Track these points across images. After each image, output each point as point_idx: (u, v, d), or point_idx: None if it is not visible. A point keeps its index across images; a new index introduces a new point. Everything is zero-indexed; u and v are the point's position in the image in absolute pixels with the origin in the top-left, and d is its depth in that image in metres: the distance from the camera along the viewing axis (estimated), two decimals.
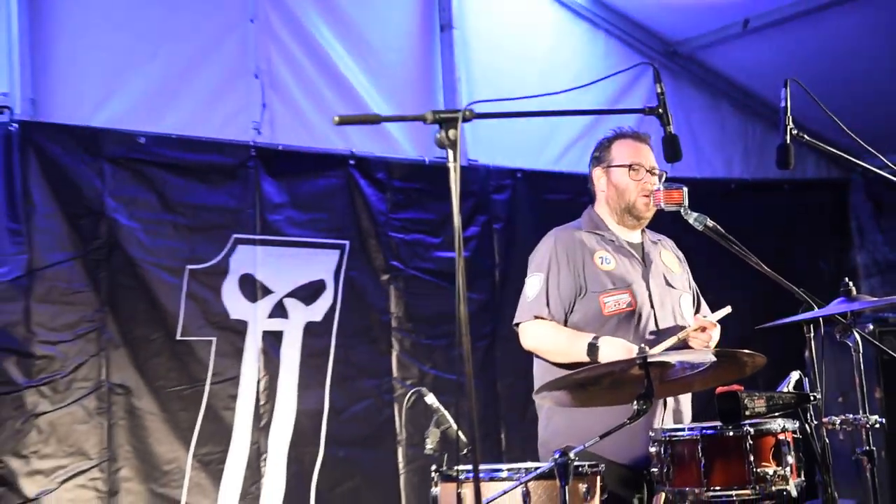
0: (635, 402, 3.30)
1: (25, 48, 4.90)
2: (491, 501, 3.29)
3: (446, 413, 3.76)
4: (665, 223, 4.23)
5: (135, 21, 5.23)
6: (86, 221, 4.90)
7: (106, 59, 5.14)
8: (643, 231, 4.26)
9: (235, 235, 5.26)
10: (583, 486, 3.48)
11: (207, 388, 5.10)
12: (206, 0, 5.46)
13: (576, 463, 3.35)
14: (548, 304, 4.02)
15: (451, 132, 2.74)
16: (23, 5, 4.90)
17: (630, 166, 4.14)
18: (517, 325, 4.13)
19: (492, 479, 3.49)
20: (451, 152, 2.75)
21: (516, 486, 3.38)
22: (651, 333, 4.00)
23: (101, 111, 5.08)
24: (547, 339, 4.04)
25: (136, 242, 5.00)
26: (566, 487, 3.24)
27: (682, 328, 3.97)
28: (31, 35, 4.93)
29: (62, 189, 4.85)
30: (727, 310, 4.01)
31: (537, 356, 4.11)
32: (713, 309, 4.08)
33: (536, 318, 4.02)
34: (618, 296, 4.00)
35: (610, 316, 3.98)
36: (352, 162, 5.65)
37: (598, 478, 3.57)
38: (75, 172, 4.89)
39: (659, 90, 3.18)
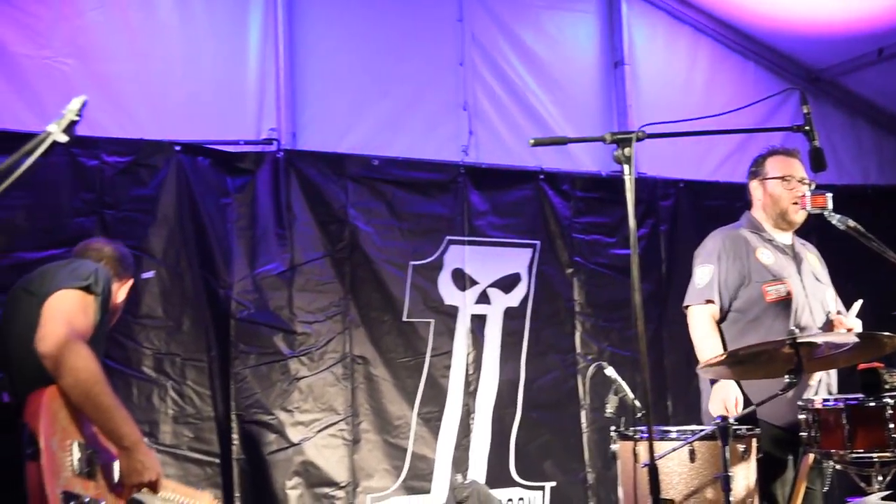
0: (786, 376, 3.20)
1: (289, 93, 5.12)
2: (662, 457, 3.26)
3: (623, 383, 3.74)
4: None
5: (370, 67, 5.38)
6: (333, 227, 5.04)
7: (347, 98, 5.30)
8: (793, 235, 4.13)
9: (448, 237, 5.32)
10: (741, 447, 3.41)
11: (427, 359, 5.17)
12: (424, 49, 5.55)
13: (734, 427, 3.28)
14: (718, 290, 3.96)
15: (627, 150, 2.76)
16: (286, 59, 5.12)
17: (783, 178, 4.03)
18: (686, 307, 4.07)
19: (662, 439, 3.45)
20: (626, 167, 2.75)
21: (684, 445, 3.33)
22: (804, 320, 3.88)
23: (344, 140, 5.24)
24: (697, 332, 3.98)
25: (371, 243, 5.11)
26: (727, 447, 3.18)
27: (830, 322, 3.85)
28: (292, 82, 5.14)
29: (315, 202, 5.01)
30: (860, 303, 3.90)
31: None
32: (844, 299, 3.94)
33: (708, 301, 3.96)
34: (777, 286, 3.89)
35: (771, 303, 3.87)
36: (541, 176, 5.63)
37: (754, 439, 3.48)
38: (325, 189, 5.05)
39: (805, 110, 3.08)
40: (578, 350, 5.56)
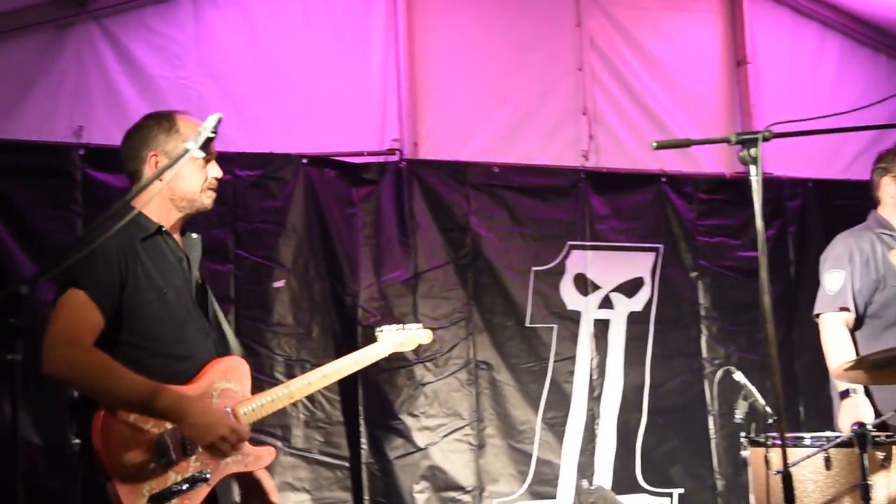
0: None
1: (410, 104, 5.20)
2: (796, 464, 3.15)
3: (752, 388, 3.63)
4: None
5: (489, 76, 5.41)
6: (456, 235, 5.08)
7: (468, 107, 5.34)
8: None
9: (570, 242, 5.29)
10: (880, 454, 3.26)
11: (551, 365, 5.14)
12: (543, 55, 5.54)
13: (873, 433, 3.15)
14: (852, 297, 3.79)
15: (753, 150, 2.69)
16: (406, 71, 5.20)
17: None
18: (818, 315, 3.90)
19: (796, 446, 3.34)
20: (752, 167, 2.68)
21: (819, 452, 3.22)
22: None
23: (465, 148, 5.28)
24: (830, 341, 3.81)
25: (493, 250, 5.13)
26: (865, 455, 3.05)
27: None
28: (412, 94, 5.22)
29: (438, 210, 5.07)
30: None
31: None
32: None
33: (842, 309, 3.78)
34: None
35: None
36: (663, 179, 5.53)
37: (895, 447, 3.32)
38: (447, 197, 5.09)
39: None
40: (705, 354, 5.44)
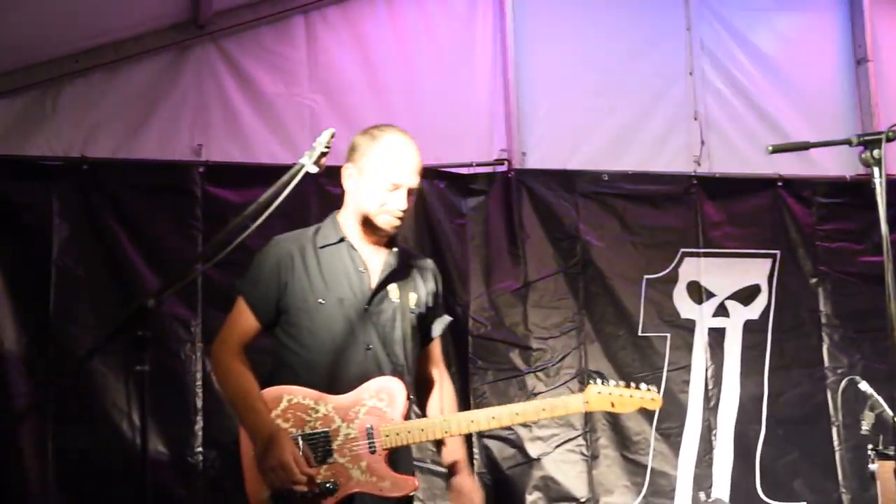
0: None
1: (518, 114, 5.20)
2: None
3: (879, 398, 3.50)
4: None
5: (597, 83, 5.37)
6: (565, 244, 5.06)
7: (576, 115, 5.31)
8: None
9: (682, 250, 5.19)
10: None
11: (664, 374, 5.06)
12: (652, 60, 5.47)
13: None
14: None
15: (876, 152, 2.60)
16: (513, 81, 5.21)
17: None
18: None
19: None
20: (876, 169, 2.59)
21: None
22: None
23: (573, 157, 5.25)
24: None
25: (603, 259, 5.08)
26: None
27: None
28: (520, 105, 5.22)
29: (547, 219, 5.05)
30: None
31: None
32: None
33: None
34: None
35: None
36: (779, 183, 5.37)
37: None
38: (556, 206, 5.07)
39: None
40: (827, 363, 5.25)
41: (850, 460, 5.06)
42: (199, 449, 4.32)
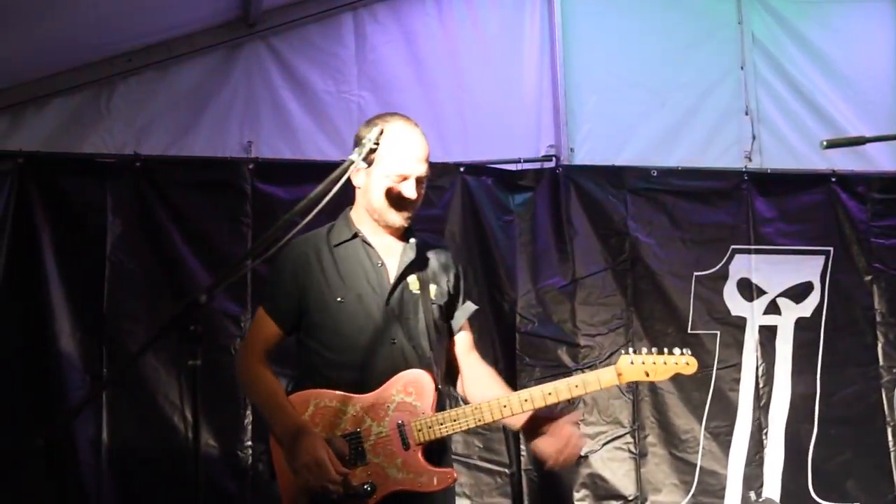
0: None
1: (566, 109, 5.17)
2: None
3: None
4: None
5: (646, 78, 5.31)
6: (614, 241, 5.01)
7: (624, 111, 5.26)
8: None
9: (733, 246, 5.12)
10: None
11: (714, 372, 4.99)
12: (702, 55, 5.40)
13: None
14: None
15: None
16: (561, 76, 5.18)
17: None
18: None
19: None
20: None
21: None
22: None
23: (622, 152, 5.20)
24: None
25: (652, 255, 5.03)
26: None
27: None
28: (568, 100, 5.19)
29: (595, 216, 5.01)
30: None
31: None
32: None
33: None
34: None
35: None
36: (833, 179, 5.28)
37: None
38: (605, 202, 5.03)
39: None
40: (881, 362, 5.14)
41: None
42: (249, 443, 4.36)
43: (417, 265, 2.95)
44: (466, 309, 3.10)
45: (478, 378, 3.08)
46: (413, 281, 2.92)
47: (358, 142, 2.85)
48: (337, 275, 2.88)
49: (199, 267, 4.53)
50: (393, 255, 2.93)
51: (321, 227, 2.94)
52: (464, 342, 3.11)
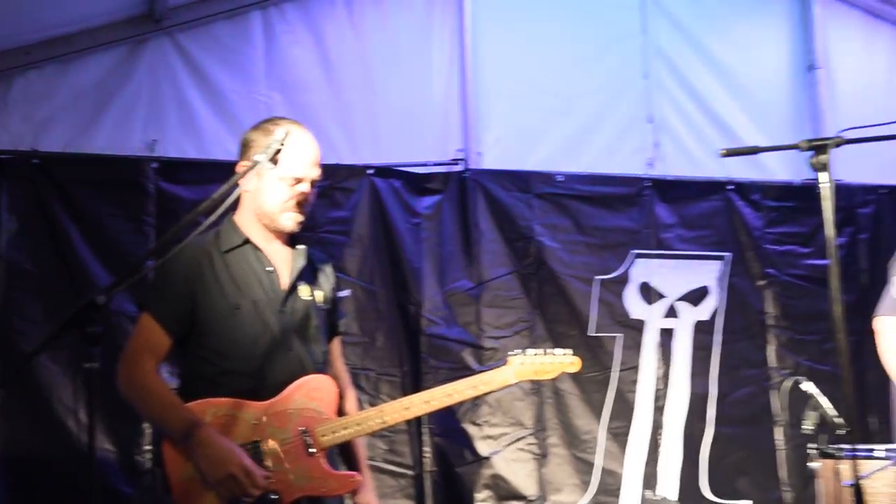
0: None
1: (474, 114, 5.21)
2: (868, 476, 3.08)
3: (822, 398, 3.56)
4: None
5: (553, 85, 5.39)
6: (519, 244, 5.07)
7: (531, 117, 5.33)
8: None
9: (634, 251, 5.24)
10: None
11: (615, 374, 5.09)
12: (608, 64, 5.50)
13: None
14: None
15: (823, 157, 2.65)
16: (470, 81, 5.22)
17: None
18: (875, 317, 3.82)
19: (868, 458, 3.26)
20: (823, 174, 2.65)
21: (892, 465, 3.14)
22: None
23: (528, 158, 5.26)
24: (888, 348, 3.68)
25: (557, 259, 5.10)
26: None
27: None
28: (476, 105, 5.23)
29: (501, 219, 5.06)
30: None
31: None
32: None
33: None
34: None
35: None
36: (730, 187, 5.45)
37: None
38: (511, 206, 5.08)
39: None
40: (773, 364, 5.34)
41: (794, 459, 5.15)
42: (148, 447, 4.27)
43: (307, 272, 2.94)
44: (343, 316, 3.19)
45: (350, 390, 3.11)
46: (304, 287, 2.91)
47: (245, 145, 2.84)
48: (231, 281, 2.82)
49: (100, 267, 4.42)
50: (283, 261, 2.89)
51: (207, 233, 2.85)
52: (339, 349, 3.14)
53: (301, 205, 2.85)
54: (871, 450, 3.33)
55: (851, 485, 2.66)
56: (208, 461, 2.63)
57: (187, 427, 2.66)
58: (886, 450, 3.31)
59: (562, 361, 3.00)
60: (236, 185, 2.55)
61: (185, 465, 2.68)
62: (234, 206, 2.79)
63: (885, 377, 5.11)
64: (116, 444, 4.26)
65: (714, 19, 5.74)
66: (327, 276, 3.05)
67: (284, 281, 2.88)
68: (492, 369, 3.02)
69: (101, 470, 4.16)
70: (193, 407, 2.73)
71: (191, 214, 2.41)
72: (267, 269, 2.86)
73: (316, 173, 2.88)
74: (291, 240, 2.93)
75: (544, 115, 5.34)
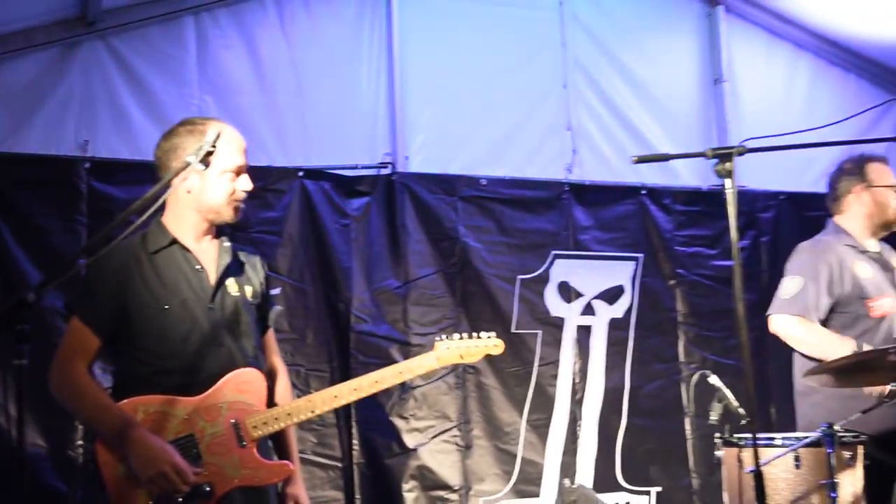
0: (891, 384, 3.08)
1: (402, 120, 5.20)
2: (767, 463, 3.17)
3: (727, 391, 3.65)
4: None
5: (477, 93, 5.41)
6: (445, 244, 5.09)
7: (457, 122, 5.34)
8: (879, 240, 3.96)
9: (554, 252, 5.30)
10: (846, 454, 3.29)
11: (535, 369, 5.16)
12: (529, 74, 5.54)
13: (840, 433, 3.18)
14: (805, 304, 3.79)
15: (728, 164, 2.72)
16: (398, 87, 5.22)
17: (893, 187, 3.86)
18: (769, 315, 3.93)
19: (767, 446, 3.36)
20: (727, 181, 2.72)
21: (789, 452, 3.24)
22: None
23: (454, 162, 5.28)
24: (806, 336, 3.78)
25: (480, 259, 5.14)
26: (832, 454, 3.07)
27: None
28: (404, 111, 5.22)
29: (428, 221, 5.08)
30: None
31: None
32: None
33: (797, 315, 3.78)
34: (881, 300, 3.71)
35: (877, 318, 3.70)
36: (643, 192, 5.56)
37: (860, 447, 3.35)
38: (437, 208, 5.10)
39: None
40: (682, 359, 5.46)
41: (700, 448, 5.28)
42: (80, 442, 4.16)
43: (234, 268, 2.93)
44: (275, 310, 3.16)
45: (283, 381, 3.11)
46: (231, 283, 2.90)
47: (162, 159, 2.83)
48: (159, 282, 2.80)
49: (31, 266, 4.29)
50: (209, 258, 2.88)
51: (133, 236, 2.83)
52: (272, 342, 3.14)
53: (244, 193, 2.88)
54: (771, 438, 3.43)
55: (753, 471, 2.73)
56: (140, 460, 2.62)
57: (119, 427, 2.65)
58: (783, 438, 3.41)
59: (486, 344, 3.05)
60: (168, 186, 2.52)
61: (118, 464, 2.66)
62: (162, 208, 2.76)
63: (785, 370, 5.27)
64: (49, 441, 4.13)
65: (629, 33, 5.84)
66: (256, 270, 3.03)
67: (213, 278, 2.87)
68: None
69: (34, 466, 4.04)
70: (124, 406, 2.71)
71: (123, 213, 2.38)
72: (195, 267, 2.85)
73: (245, 161, 2.91)
74: (217, 234, 2.93)
75: (469, 122, 5.36)
